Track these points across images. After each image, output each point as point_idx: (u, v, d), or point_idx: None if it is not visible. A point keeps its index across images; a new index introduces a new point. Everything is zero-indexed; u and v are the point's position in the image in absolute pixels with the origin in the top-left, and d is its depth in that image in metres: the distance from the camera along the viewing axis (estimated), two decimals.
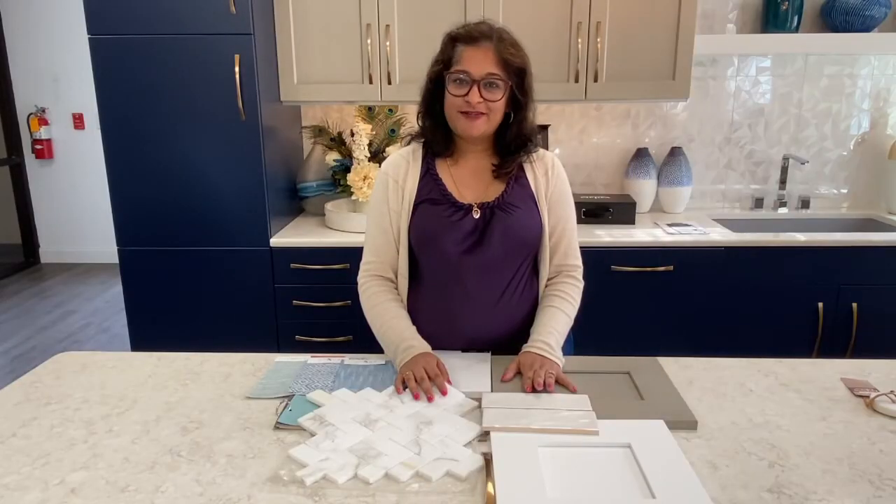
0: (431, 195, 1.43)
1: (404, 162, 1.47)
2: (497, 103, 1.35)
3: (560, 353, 1.36)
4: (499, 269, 1.43)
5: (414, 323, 1.42)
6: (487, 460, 1.03)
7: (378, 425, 1.14)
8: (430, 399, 1.22)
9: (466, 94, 1.33)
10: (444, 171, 1.46)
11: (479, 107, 1.34)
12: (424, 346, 1.36)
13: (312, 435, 1.12)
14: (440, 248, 1.41)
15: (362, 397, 1.24)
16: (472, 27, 1.37)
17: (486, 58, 1.33)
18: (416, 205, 1.43)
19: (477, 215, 1.41)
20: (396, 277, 1.49)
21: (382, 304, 1.44)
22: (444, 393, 1.23)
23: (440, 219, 1.41)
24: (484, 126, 1.37)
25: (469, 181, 1.45)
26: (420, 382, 1.25)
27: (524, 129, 1.42)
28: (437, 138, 1.45)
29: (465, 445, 1.08)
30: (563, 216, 1.48)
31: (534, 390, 1.24)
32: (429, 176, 1.45)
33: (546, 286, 1.49)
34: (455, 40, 1.38)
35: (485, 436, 1.11)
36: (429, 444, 1.07)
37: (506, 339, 1.45)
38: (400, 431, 1.12)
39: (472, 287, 1.42)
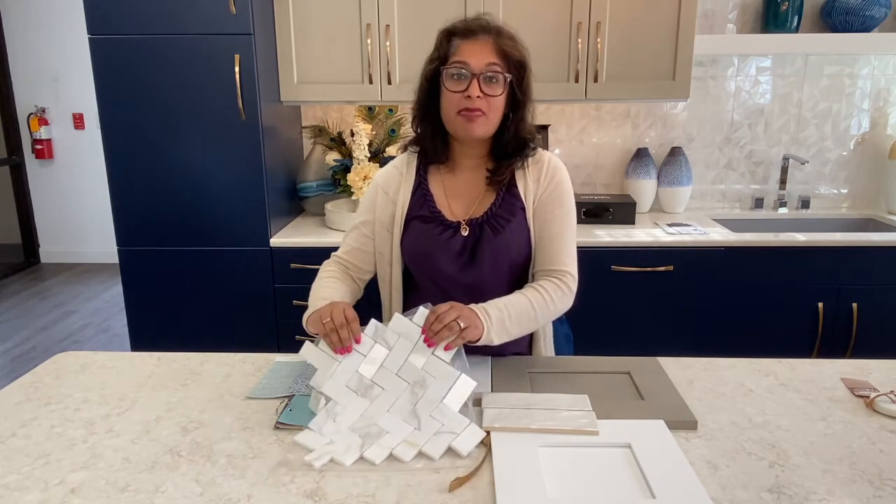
0: (422, 212, 1.41)
1: (397, 174, 1.45)
2: (497, 99, 1.31)
3: (494, 326, 1.24)
4: (490, 289, 1.38)
5: None
6: (487, 445, 1.06)
7: (373, 392, 1.15)
8: (346, 351, 1.16)
9: (465, 89, 1.28)
10: (437, 181, 1.43)
11: (478, 103, 1.29)
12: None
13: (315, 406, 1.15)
14: (434, 266, 1.40)
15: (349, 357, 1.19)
16: (470, 21, 1.33)
17: (485, 50, 1.29)
18: (408, 221, 1.41)
19: (465, 232, 1.38)
20: (360, 283, 1.49)
21: (328, 279, 1.41)
22: (357, 340, 1.16)
23: (430, 237, 1.39)
24: (484, 126, 1.32)
25: (461, 192, 1.42)
26: (331, 333, 1.16)
27: (522, 131, 1.37)
28: (435, 144, 1.40)
29: (458, 410, 1.11)
30: (549, 218, 1.38)
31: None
32: (420, 191, 1.42)
33: None
34: (452, 34, 1.33)
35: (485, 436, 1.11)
36: (427, 416, 1.11)
37: (504, 352, 1.41)
38: (396, 399, 1.14)
39: (467, 303, 1.39)
